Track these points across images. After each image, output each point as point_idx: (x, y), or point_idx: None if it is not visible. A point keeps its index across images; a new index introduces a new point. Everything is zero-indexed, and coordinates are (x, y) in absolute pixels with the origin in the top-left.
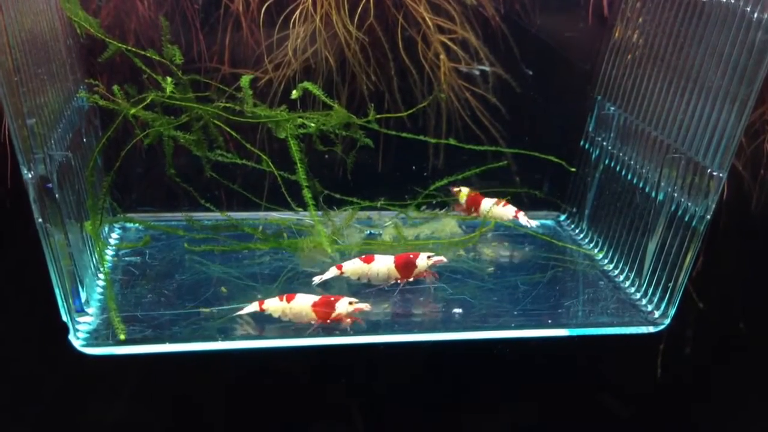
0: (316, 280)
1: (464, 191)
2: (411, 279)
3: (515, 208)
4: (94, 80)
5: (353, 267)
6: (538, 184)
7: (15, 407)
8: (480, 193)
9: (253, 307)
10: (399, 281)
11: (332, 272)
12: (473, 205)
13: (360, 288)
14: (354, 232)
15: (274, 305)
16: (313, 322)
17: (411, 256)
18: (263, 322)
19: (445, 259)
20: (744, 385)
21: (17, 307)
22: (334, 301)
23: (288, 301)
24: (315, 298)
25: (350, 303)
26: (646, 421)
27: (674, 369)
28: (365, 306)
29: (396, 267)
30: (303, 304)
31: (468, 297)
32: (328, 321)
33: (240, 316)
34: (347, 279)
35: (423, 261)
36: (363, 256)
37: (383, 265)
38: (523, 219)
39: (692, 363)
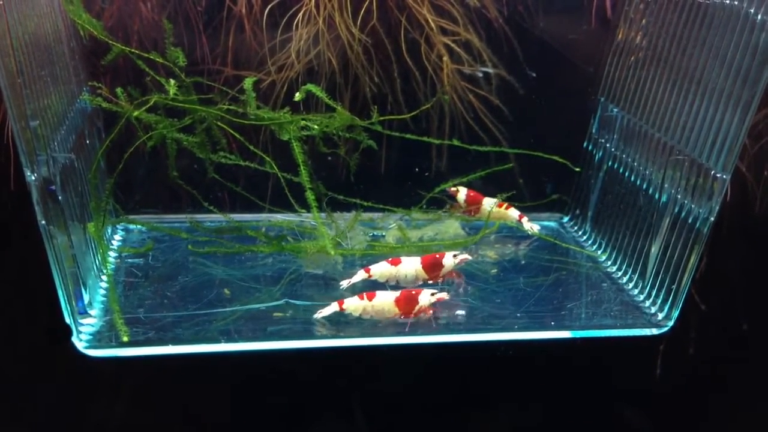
0: (344, 284)
1: (462, 191)
2: (440, 281)
3: (519, 212)
4: (97, 82)
5: (381, 270)
6: (542, 186)
7: (17, 409)
8: (479, 192)
9: (333, 307)
10: (426, 281)
11: (360, 275)
12: (473, 204)
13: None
14: (357, 234)
15: (354, 304)
16: (396, 317)
17: (437, 255)
18: (343, 322)
19: (470, 257)
20: (747, 387)
21: (20, 309)
22: (416, 294)
23: (369, 299)
24: (395, 293)
25: (432, 294)
26: (649, 422)
27: (677, 371)
28: (445, 295)
29: (423, 268)
30: (385, 300)
31: (471, 299)
32: (413, 314)
33: (318, 318)
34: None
35: (450, 260)
36: (390, 259)
37: (411, 266)
38: (526, 224)
39: (696, 365)
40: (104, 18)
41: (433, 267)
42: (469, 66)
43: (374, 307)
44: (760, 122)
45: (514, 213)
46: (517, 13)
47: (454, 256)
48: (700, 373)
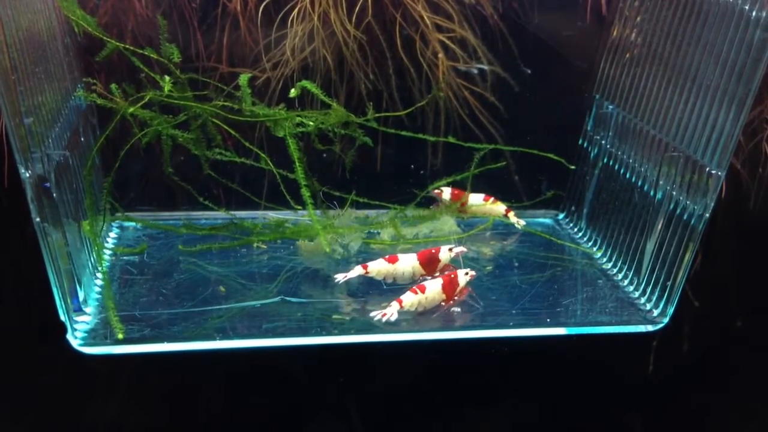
0: (340, 278)
1: (446, 191)
2: (437, 275)
3: (505, 206)
4: (91, 79)
5: (378, 267)
6: (537, 183)
7: (13, 407)
8: (463, 189)
9: (394, 307)
10: (424, 276)
11: (357, 271)
12: (458, 201)
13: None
14: (352, 231)
15: (411, 299)
16: (443, 303)
17: (433, 251)
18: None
19: (465, 250)
20: (741, 384)
21: (15, 307)
22: (455, 277)
23: (422, 291)
24: (440, 280)
25: (466, 273)
26: (644, 419)
27: (670, 367)
28: (474, 272)
29: (420, 263)
30: (435, 289)
31: (466, 296)
32: (455, 297)
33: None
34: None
35: (445, 254)
36: (387, 257)
37: (408, 263)
38: (513, 218)
39: (690, 362)
40: (98, 14)
41: (429, 262)
42: (465, 63)
43: (427, 299)
44: (755, 119)
45: (500, 207)
46: (512, 10)
47: (450, 249)
48: (693, 369)
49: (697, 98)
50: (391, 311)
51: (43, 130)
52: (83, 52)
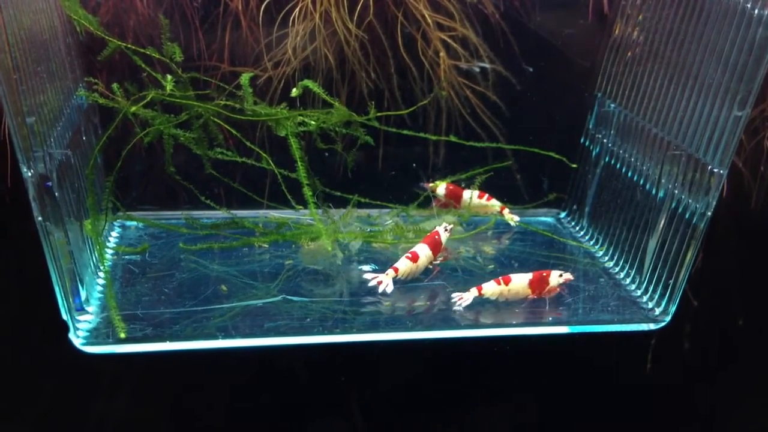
0: (372, 280)
1: (441, 186)
2: (444, 257)
3: (500, 204)
4: (93, 78)
5: (404, 267)
6: (539, 181)
7: (14, 406)
8: (459, 185)
9: (472, 293)
10: (432, 264)
11: (391, 274)
12: (452, 198)
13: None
14: (354, 229)
15: (492, 289)
16: (528, 297)
17: (437, 236)
18: (479, 306)
19: (452, 225)
20: (742, 383)
21: (17, 306)
22: (546, 276)
23: (506, 283)
24: (528, 275)
25: (560, 275)
26: (645, 418)
27: (670, 366)
28: (571, 276)
29: (431, 249)
30: (520, 283)
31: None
32: (543, 294)
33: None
34: None
35: (444, 234)
36: (408, 255)
37: (423, 254)
38: (507, 215)
39: (690, 361)
40: (100, 14)
41: (436, 245)
42: (466, 61)
43: (510, 291)
44: (757, 118)
45: (495, 205)
46: (514, 8)
47: (445, 229)
48: (693, 368)
49: (699, 96)
50: (467, 296)
51: (45, 129)
52: (85, 51)
